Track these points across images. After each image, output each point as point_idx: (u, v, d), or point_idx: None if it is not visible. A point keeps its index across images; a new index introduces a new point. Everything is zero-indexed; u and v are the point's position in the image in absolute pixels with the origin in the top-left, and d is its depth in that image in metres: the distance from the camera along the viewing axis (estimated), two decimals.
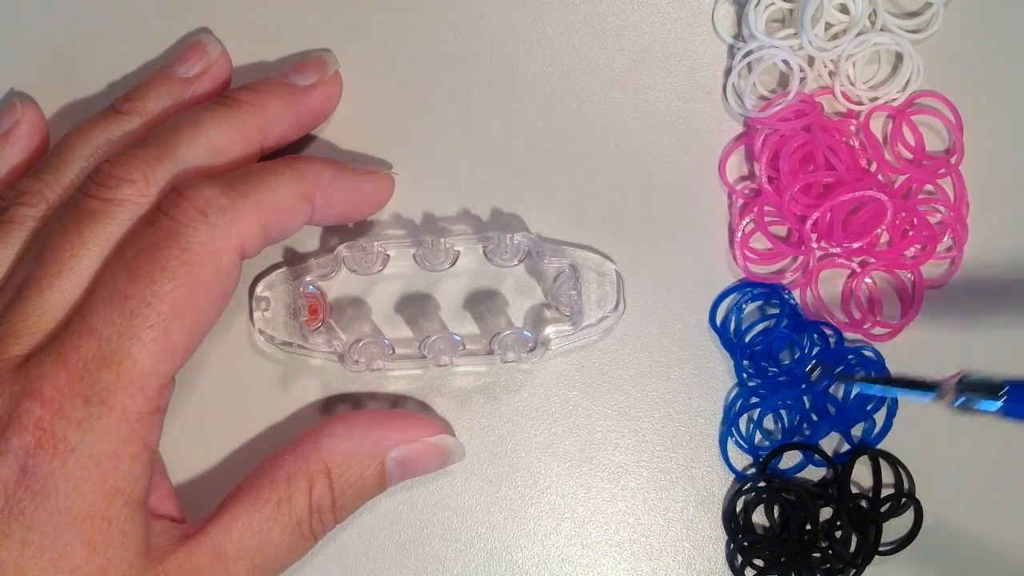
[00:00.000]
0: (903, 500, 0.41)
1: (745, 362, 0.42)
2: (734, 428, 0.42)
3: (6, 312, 0.35)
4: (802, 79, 0.42)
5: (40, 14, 0.43)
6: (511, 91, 0.43)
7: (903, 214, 0.41)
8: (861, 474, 0.42)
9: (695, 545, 0.42)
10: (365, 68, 0.43)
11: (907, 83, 0.42)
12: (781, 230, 0.42)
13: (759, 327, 0.42)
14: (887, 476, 0.42)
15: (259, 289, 0.42)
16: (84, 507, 0.33)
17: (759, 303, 0.42)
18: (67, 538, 0.33)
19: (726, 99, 0.43)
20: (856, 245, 0.41)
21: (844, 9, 0.42)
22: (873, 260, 0.42)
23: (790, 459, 0.42)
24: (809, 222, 0.41)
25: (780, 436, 0.42)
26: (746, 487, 0.41)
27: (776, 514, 0.42)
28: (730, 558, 0.42)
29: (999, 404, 0.33)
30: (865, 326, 0.42)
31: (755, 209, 0.42)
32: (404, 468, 0.39)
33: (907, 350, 0.42)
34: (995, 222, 0.42)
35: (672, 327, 0.42)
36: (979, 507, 0.42)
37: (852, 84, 0.42)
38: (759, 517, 0.42)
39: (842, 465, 0.41)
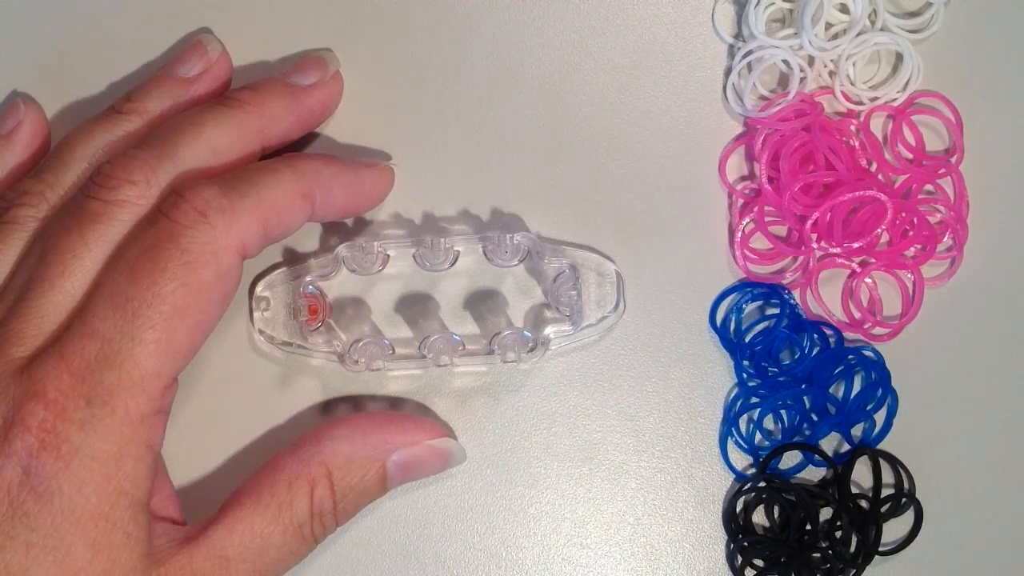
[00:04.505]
0: (903, 500, 0.41)
1: (745, 362, 0.42)
2: (734, 428, 0.42)
3: (9, 314, 0.35)
4: (802, 79, 0.42)
5: (41, 15, 0.43)
6: (511, 91, 0.43)
7: (903, 214, 0.41)
8: (861, 474, 0.42)
9: (695, 545, 0.42)
10: (365, 68, 0.43)
11: (907, 83, 0.42)
12: (781, 230, 0.42)
13: (759, 327, 0.42)
14: (887, 476, 0.42)
15: (259, 289, 0.42)
16: (88, 509, 0.33)
17: (759, 303, 0.42)
18: (71, 540, 0.33)
19: (726, 99, 0.43)
20: (856, 245, 0.41)
21: (844, 9, 0.42)
22: (873, 260, 0.42)
23: (790, 459, 0.42)
24: (809, 222, 0.41)
25: (780, 436, 0.42)
26: (746, 487, 0.41)
27: (776, 514, 0.42)
28: (730, 558, 0.42)
29: None
30: (865, 326, 0.42)
31: (755, 209, 0.42)
32: (405, 471, 0.39)
33: (907, 350, 0.42)
34: (995, 222, 0.42)
35: (672, 327, 0.42)
36: (979, 507, 0.42)
37: (852, 84, 0.42)
38: (759, 517, 0.42)
39: (842, 465, 0.41)
